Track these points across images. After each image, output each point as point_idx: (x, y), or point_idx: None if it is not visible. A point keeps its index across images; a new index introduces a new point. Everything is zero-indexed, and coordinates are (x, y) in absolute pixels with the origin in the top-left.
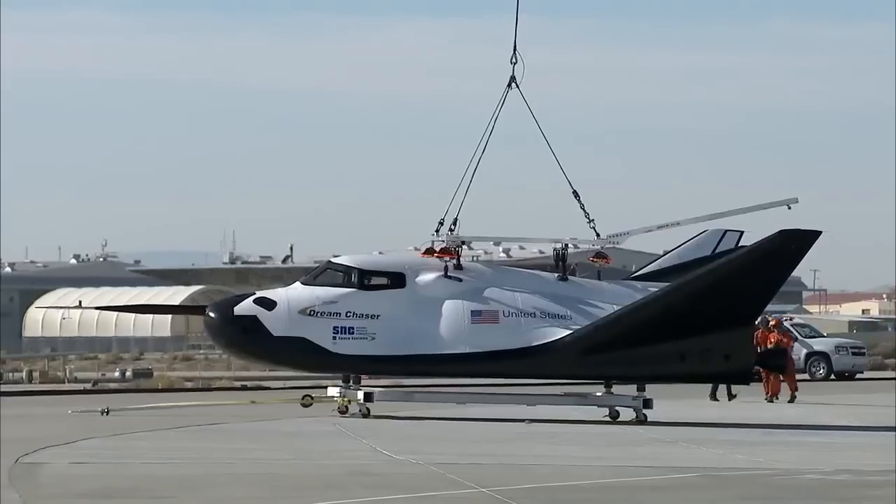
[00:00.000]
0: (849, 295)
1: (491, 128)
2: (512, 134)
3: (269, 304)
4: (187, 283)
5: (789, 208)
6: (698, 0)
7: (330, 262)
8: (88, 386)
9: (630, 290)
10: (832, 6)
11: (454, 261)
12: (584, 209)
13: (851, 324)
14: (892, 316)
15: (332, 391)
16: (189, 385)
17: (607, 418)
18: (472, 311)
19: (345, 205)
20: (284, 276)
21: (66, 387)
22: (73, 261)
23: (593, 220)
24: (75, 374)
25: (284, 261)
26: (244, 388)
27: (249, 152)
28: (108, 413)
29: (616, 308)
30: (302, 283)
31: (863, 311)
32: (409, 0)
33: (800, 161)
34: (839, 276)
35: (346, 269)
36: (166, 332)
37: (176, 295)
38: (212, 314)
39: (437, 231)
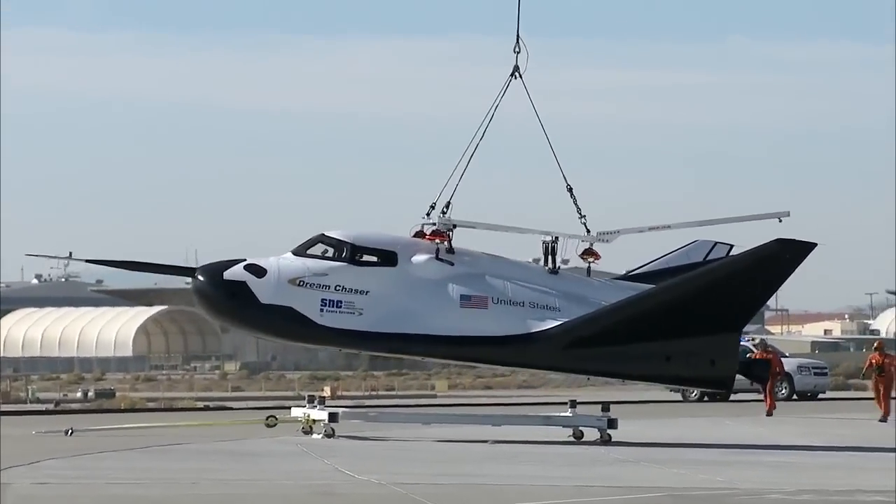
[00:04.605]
0: (811, 315)
1: (491, 115)
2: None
3: (259, 271)
4: (150, 303)
5: (780, 221)
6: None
7: (323, 234)
8: (51, 406)
9: (619, 288)
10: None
11: (446, 244)
12: (576, 204)
13: (814, 344)
14: (854, 336)
15: (296, 412)
16: (152, 405)
17: (572, 438)
18: (461, 295)
19: (308, 226)
20: None
21: (29, 407)
22: (35, 281)
23: (585, 215)
24: (37, 395)
25: None
26: (207, 408)
27: (212, 172)
28: (72, 434)
29: (605, 304)
30: (293, 254)
31: (825, 332)
32: (371, 19)
33: (761, 180)
34: (801, 296)
35: (339, 243)
36: (128, 353)
37: (139, 315)
38: (200, 277)
39: (428, 214)
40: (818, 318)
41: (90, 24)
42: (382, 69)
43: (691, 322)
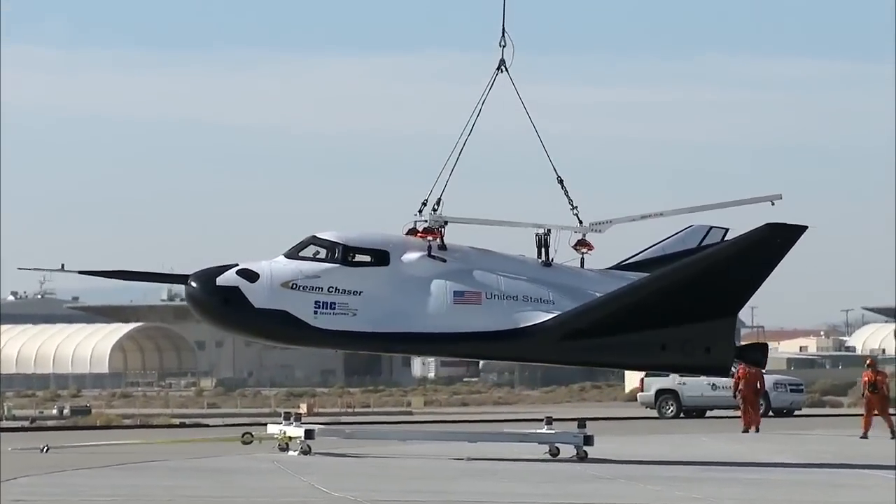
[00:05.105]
0: (787, 332)
1: (479, 110)
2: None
3: (251, 275)
4: (126, 320)
5: (773, 204)
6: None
7: (314, 236)
8: (26, 423)
9: (613, 278)
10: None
11: (437, 241)
12: (567, 196)
13: (789, 361)
14: (830, 353)
15: (273, 429)
16: (127, 422)
17: (548, 455)
18: (454, 292)
19: (284, 241)
20: None
21: (4, 424)
22: (11, 297)
23: (577, 206)
24: (13, 412)
25: None
26: (183, 425)
27: (186, 187)
28: (47, 450)
29: (599, 295)
30: (285, 257)
31: (800, 349)
32: (346, 36)
33: (737, 195)
34: (777, 313)
35: (331, 245)
36: (104, 369)
37: (115, 332)
38: (194, 284)
39: (419, 211)
40: (794, 334)
41: (68, 42)
42: (363, 85)
43: (685, 310)
